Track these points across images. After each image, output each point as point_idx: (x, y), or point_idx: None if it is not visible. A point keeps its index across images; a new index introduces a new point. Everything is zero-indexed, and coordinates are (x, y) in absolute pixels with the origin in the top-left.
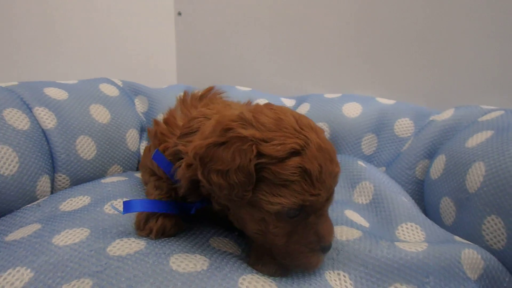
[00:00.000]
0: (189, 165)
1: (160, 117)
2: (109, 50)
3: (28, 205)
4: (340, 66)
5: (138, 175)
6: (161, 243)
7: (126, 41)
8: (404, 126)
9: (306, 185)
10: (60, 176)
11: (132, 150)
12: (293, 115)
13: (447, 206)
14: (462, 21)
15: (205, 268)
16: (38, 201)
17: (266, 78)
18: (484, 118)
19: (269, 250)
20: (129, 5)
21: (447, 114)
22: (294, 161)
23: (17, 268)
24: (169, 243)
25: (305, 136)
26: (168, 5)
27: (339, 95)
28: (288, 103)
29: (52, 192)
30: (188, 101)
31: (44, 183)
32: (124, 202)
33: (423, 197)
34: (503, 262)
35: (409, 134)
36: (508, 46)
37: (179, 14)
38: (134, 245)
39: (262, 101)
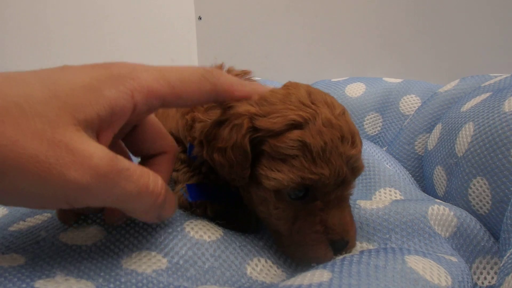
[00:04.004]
0: (200, 143)
1: None
2: (130, 57)
3: None
4: (358, 53)
5: None
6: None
7: (148, 47)
8: (410, 103)
9: (306, 162)
10: None
11: None
12: (308, 90)
13: (439, 176)
14: None
15: None
16: None
17: (291, 75)
18: (487, 83)
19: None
20: (150, 12)
21: (451, 85)
22: (294, 134)
23: None
24: None
25: (313, 110)
26: (189, 10)
27: (346, 77)
28: None
29: None
30: None
31: None
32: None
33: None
34: (489, 227)
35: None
36: None
37: (200, 18)
38: None
39: None
